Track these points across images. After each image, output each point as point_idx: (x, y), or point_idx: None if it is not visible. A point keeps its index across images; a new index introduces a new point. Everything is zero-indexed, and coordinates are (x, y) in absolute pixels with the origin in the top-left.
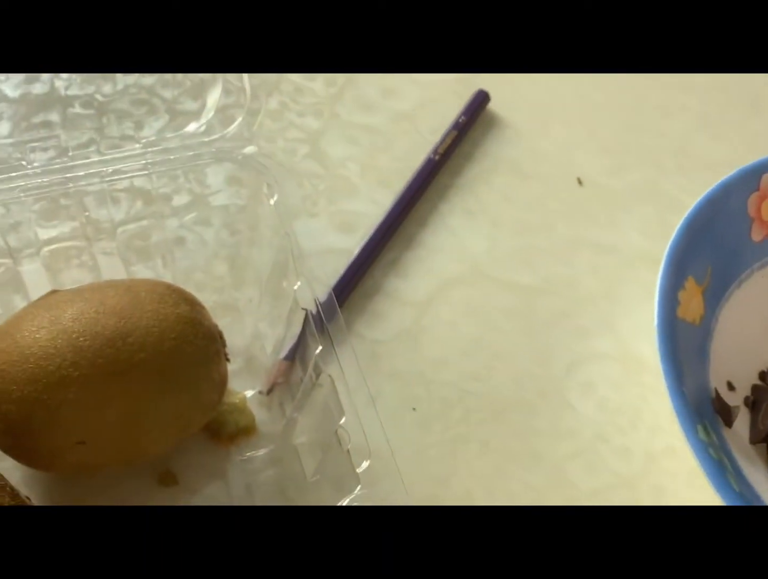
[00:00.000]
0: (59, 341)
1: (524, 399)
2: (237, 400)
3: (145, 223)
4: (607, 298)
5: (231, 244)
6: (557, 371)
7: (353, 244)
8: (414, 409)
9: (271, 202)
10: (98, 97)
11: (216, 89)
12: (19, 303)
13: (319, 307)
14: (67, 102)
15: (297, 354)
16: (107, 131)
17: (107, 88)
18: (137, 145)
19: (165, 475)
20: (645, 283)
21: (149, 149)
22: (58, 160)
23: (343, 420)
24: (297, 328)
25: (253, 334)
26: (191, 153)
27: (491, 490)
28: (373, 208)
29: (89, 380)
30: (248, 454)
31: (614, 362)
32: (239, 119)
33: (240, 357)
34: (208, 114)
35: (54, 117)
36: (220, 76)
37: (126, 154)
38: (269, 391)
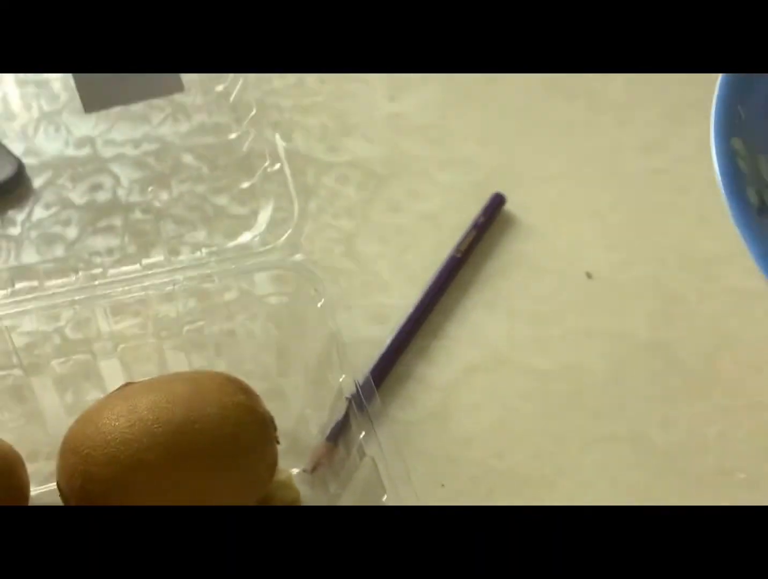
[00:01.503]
0: (136, 428)
1: (543, 476)
2: (284, 478)
3: (202, 322)
4: (616, 383)
5: (278, 337)
6: (573, 450)
7: (385, 334)
8: (443, 485)
9: (319, 304)
10: (156, 203)
11: (268, 205)
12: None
13: (360, 391)
14: (128, 208)
15: (340, 436)
16: (164, 235)
17: (164, 195)
18: (200, 253)
19: None
20: (652, 369)
21: (212, 259)
22: (132, 268)
23: (385, 497)
24: (340, 413)
25: (298, 418)
26: (250, 262)
27: None
28: (402, 301)
29: (161, 464)
30: None
31: (624, 442)
32: (289, 231)
33: (287, 437)
34: (260, 227)
35: (117, 222)
36: (271, 192)
37: (191, 263)
38: (313, 470)
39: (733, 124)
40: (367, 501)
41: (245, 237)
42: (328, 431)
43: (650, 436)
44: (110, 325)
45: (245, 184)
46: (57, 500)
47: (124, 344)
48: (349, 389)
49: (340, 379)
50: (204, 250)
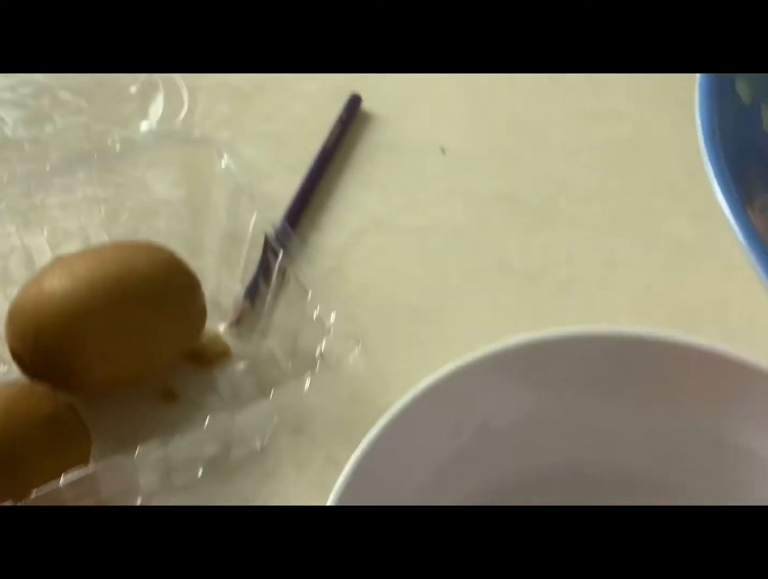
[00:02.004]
0: (77, 284)
1: (433, 306)
2: (213, 333)
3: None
4: (479, 229)
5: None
6: (453, 283)
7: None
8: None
9: (222, 164)
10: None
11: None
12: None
13: (275, 235)
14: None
15: (260, 279)
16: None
17: (49, 128)
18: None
19: (167, 392)
20: (505, 214)
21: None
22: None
23: (309, 294)
24: (256, 264)
25: (217, 277)
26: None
27: None
28: (286, 189)
29: (105, 309)
30: (227, 371)
31: (493, 271)
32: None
33: (211, 298)
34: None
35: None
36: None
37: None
38: (238, 323)
39: None
40: (293, 312)
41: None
42: (247, 284)
43: (512, 264)
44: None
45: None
46: None
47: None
48: (265, 235)
49: (251, 227)
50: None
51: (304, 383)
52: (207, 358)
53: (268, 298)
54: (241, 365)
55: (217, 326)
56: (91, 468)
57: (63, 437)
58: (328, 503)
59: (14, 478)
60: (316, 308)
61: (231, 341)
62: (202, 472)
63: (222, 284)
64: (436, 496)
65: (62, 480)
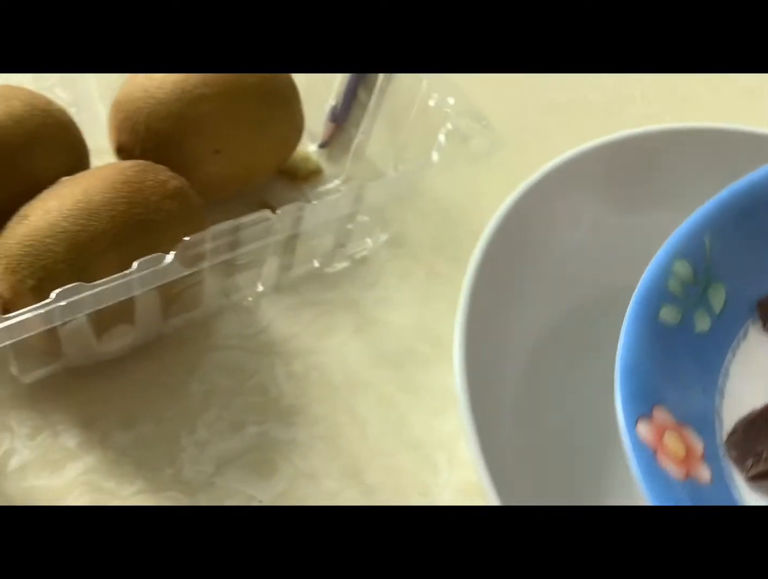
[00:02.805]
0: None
1: None
2: (303, 153)
3: None
4: None
5: None
6: None
7: None
8: None
9: None
10: None
11: None
12: None
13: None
14: None
15: (345, 116)
16: None
17: None
18: None
19: (264, 205)
20: None
21: None
22: None
23: (424, 83)
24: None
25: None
26: None
27: None
28: None
29: (220, 98)
30: (320, 188)
31: None
32: None
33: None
34: None
35: None
36: None
37: None
38: (326, 144)
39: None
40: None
41: None
42: (336, 112)
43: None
44: None
45: None
46: None
47: None
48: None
49: None
50: None
51: (430, 156)
52: (300, 175)
53: (367, 112)
54: (332, 183)
55: (307, 148)
56: (235, 221)
57: (187, 209)
58: (469, 275)
59: (148, 238)
60: (432, 97)
61: (322, 162)
62: (310, 282)
63: (313, 110)
64: (549, 303)
65: (209, 233)
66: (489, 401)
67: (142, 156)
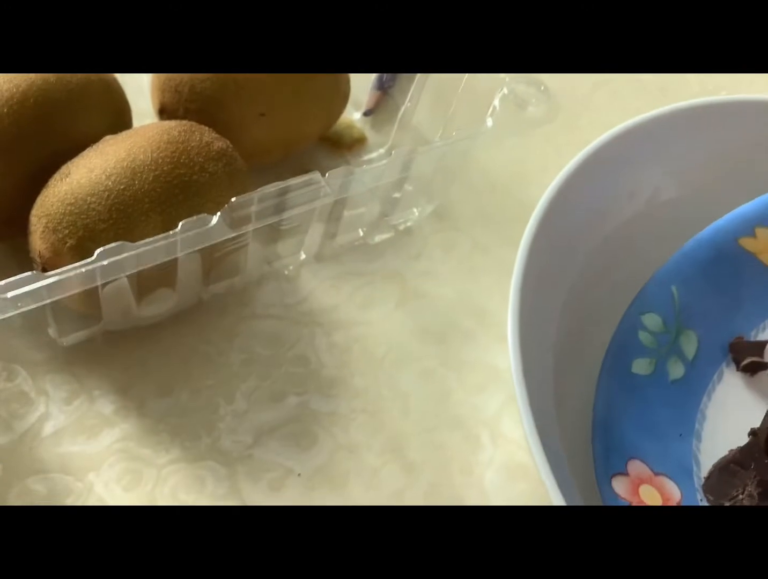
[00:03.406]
0: None
1: None
2: (347, 121)
3: None
4: None
5: None
6: None
7: None
8: None
9: None
10: None
11: None
12: None
13: None
14: None
15: (391, 84)
16: None
17: None
18: None
19: (306, 172)
20: None
21: None
22: None
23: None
24: None
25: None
26: None
27: None
28: None
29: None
30: (364, 157)
31: None
32: None
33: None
34: None
35: None
36: None
37: None
38: (370, 113)
39: (658, 300)
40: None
41: None
42: (383, 79)
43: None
44: None
45: None
46: None
47: None
48: None
49: None
50: None
51: (484, 122)
52: (344, 143)
53: (415, 78)
54: (376, 152)
55: (352, 115)
56: (284, 183)
57: (232, 172)
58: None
59: (192, 200)
60: None
61: (367, 130)
62: (353, 251)
63: (357, 75)
64: (604, 268)
65: (256, 195)
66: (542, 381)
67: (185, 117)
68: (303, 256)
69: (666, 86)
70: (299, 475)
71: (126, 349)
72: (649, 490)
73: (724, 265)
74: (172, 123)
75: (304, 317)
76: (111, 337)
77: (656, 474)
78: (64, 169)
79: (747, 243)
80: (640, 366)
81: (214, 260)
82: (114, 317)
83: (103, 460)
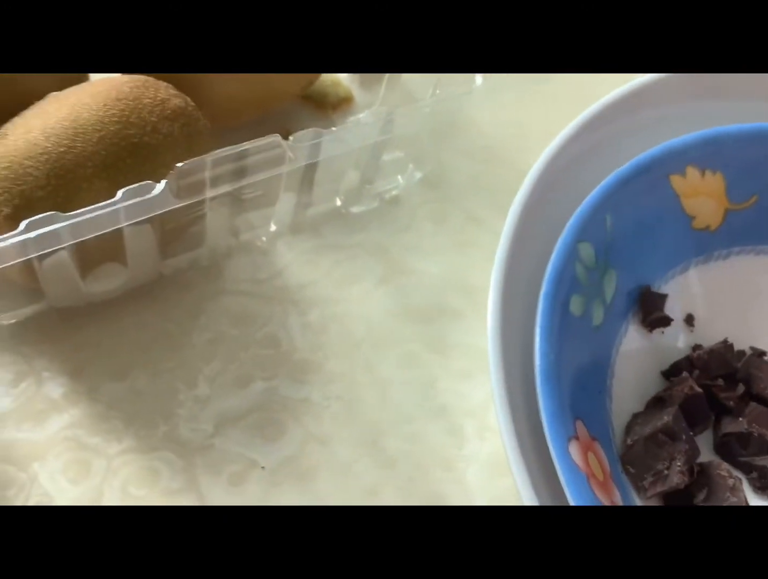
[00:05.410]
0: None
1: None
2: (333, 79)
3: None
4: None
5: None
6: None
7: None
8: None
9: None
10: None
11: None
12: None
13: None
14: None
15: None
16: None
17: None
18: None
19: (286, 134)
20: None
21: None
22: None
23: None
24: None
25: None
26: None
27: None
28: None
29: None
30: (349, 119)
31: None
32: None
33: None
34: None
35: None
36: None
37: None
38: None
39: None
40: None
41: None
42: None
43: None
44: None
45: None
46: None
47: None
48: None
49: None
50: None
51: (474, 80)
52: (329, 102)
53: None
54: (364, 112)
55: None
56: (240, 146)
57: (191, 133)
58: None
59: (143, 165)
60: None
61: (354, 88)
62: (333, 222)
63: None
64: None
65: (209, 159)
66: (525, 367)
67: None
68: (273, 227)
69: None
70: (263, 468)
71: (79, 328)
72: (593, 458)
73: (651, 202)
74: (124, 78)
75: (276, 294)
76: (62, 314)
77: (593, 438)
78: (1, 129)
79: (676, 181)
80: (576, 304)
81: (169, 232)
82: (59, 293)
83: (50, 448)
